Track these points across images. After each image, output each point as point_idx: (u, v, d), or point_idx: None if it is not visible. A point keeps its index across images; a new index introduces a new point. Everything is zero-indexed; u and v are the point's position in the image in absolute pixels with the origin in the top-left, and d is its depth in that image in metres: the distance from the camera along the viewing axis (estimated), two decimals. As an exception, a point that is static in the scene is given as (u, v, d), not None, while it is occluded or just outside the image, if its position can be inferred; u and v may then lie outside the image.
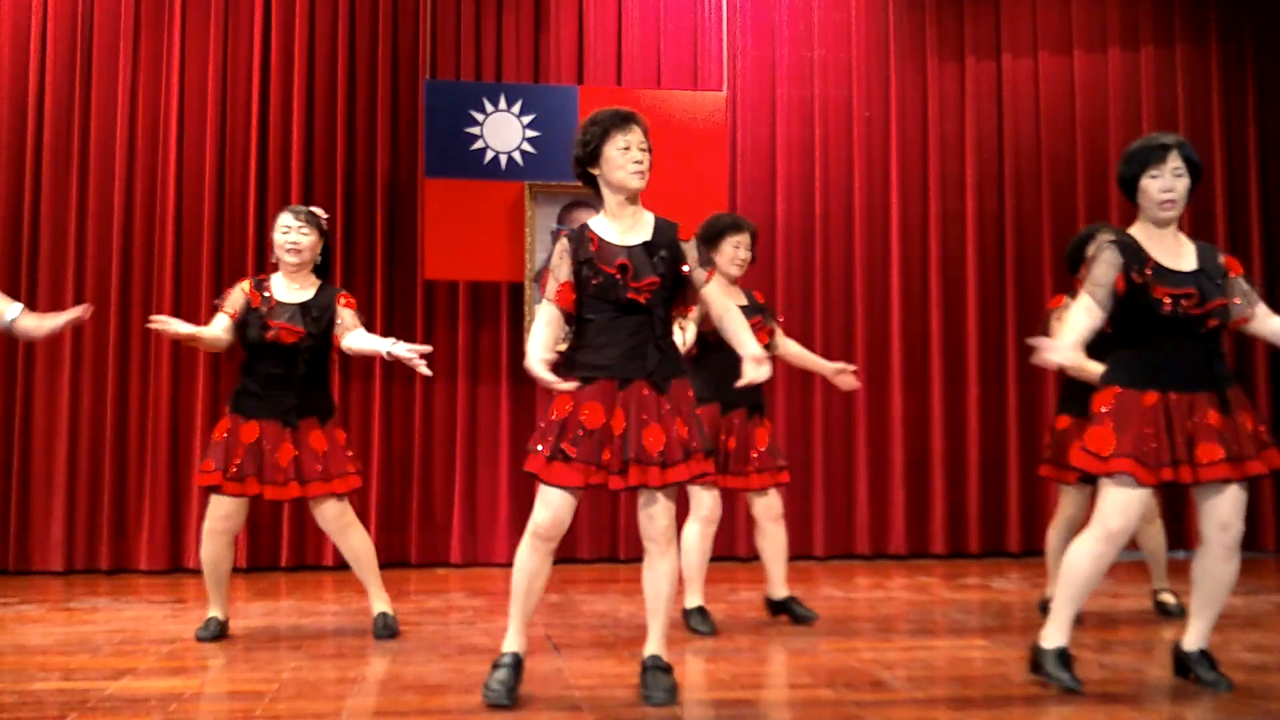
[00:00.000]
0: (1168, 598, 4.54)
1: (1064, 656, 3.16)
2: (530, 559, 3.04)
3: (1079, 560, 3.15)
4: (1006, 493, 6.55)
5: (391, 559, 6.07)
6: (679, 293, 3.17)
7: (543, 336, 3.11)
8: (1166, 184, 3.21)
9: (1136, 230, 3.27)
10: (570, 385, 3.03)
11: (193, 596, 5.10)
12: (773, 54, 6.62)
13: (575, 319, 3.14)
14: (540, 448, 3.01)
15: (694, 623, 4.12)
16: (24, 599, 4.99)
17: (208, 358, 5.91)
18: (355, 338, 3.99)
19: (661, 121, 6.24)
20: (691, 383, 4.02)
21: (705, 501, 4.14)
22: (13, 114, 5.91)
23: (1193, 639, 3.27)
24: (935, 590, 5.33)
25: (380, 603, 4.10)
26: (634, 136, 3.13)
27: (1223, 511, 3.16)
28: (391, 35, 6.26)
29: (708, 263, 3.21)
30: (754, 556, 6.32)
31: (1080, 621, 3.45)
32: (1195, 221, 6.89)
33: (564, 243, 3.14)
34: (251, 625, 4.31)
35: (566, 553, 6.15)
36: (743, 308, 4.13)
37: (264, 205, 6.07)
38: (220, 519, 3.95)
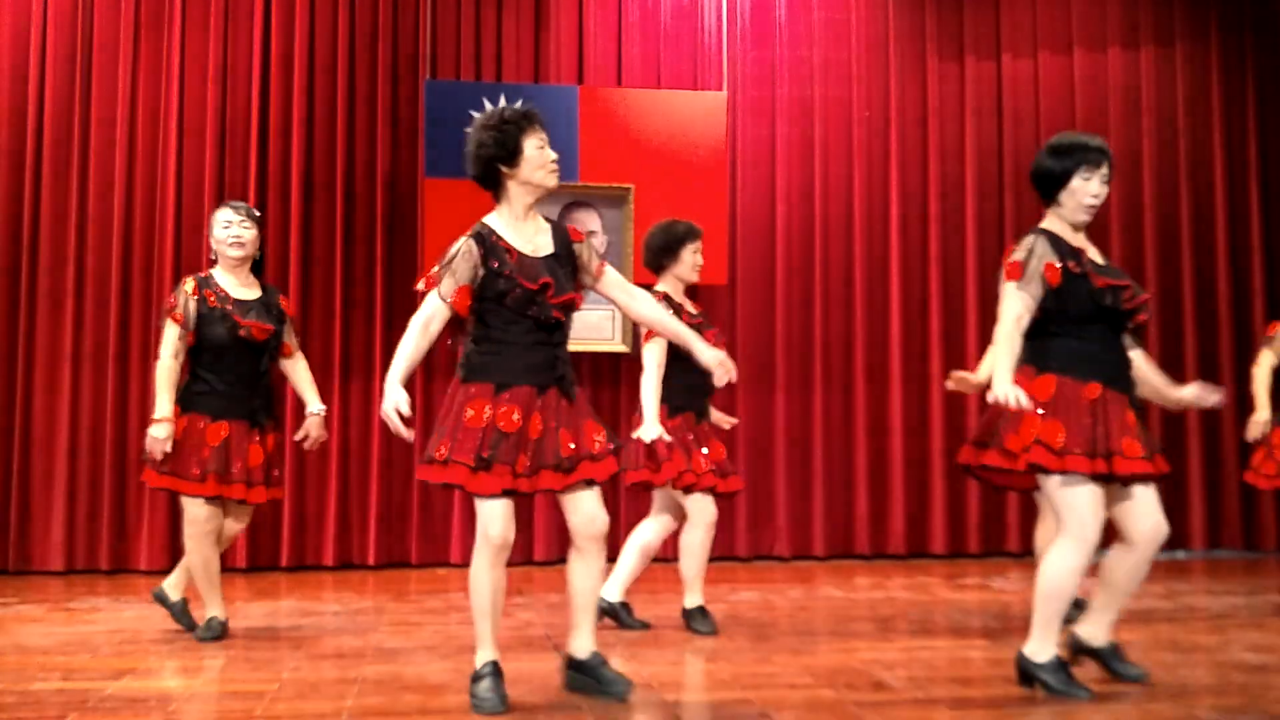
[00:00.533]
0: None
1: (1063, 666, 3.11)
2: (491, 575, 2.95)
3: (1062, 575, 3.04)
4: (1006, 494, 6.55)
5: (392, 559, 6.08)
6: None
7: (413, 345, 2.99)
8: (1096, 189, 3.20)
9: (1052, 226, 3.23)
10: (407, 434, 2.91)
11: (194, 596, 5.09)
12: (772, 54, 6.62)
13: (472, 324, 3.02)
14: (456, 458, 2.87)
15: (695, 623, 4.13)
16: (24, 599, 4.99)
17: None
18: (295, 371, 4.12)
19: (661, 122, 6.26)
20: (666, 395, 4.06)
21: (707, 508, 4.14)
22: (13, 116, 5.91)
23: (1103, 633, 3.26)
24: (935, 590, 5.33)
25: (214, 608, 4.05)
26: (545, 135, 3.07)
27: (1156, 510, 3.11)
28: (392, 36, 6.26)
29: (599, 257, 3.17)
30: (753, 557, 6.33)
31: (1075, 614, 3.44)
32: (1194, 220, 6.90)
33: (470, 244, 2.98)
34: (252, 625, 4.31)
35: (567, 553, 6.15)
36: (696, 317, 4.15)
37: (264, 206, 6.07)
38: (205, 521, 3.94)
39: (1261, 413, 4.82)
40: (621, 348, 6.19)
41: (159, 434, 3.85)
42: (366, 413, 6.08)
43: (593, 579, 3.10)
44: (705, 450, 4.11)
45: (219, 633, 3.95)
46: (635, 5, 6.49)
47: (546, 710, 2.97)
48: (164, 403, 3.89)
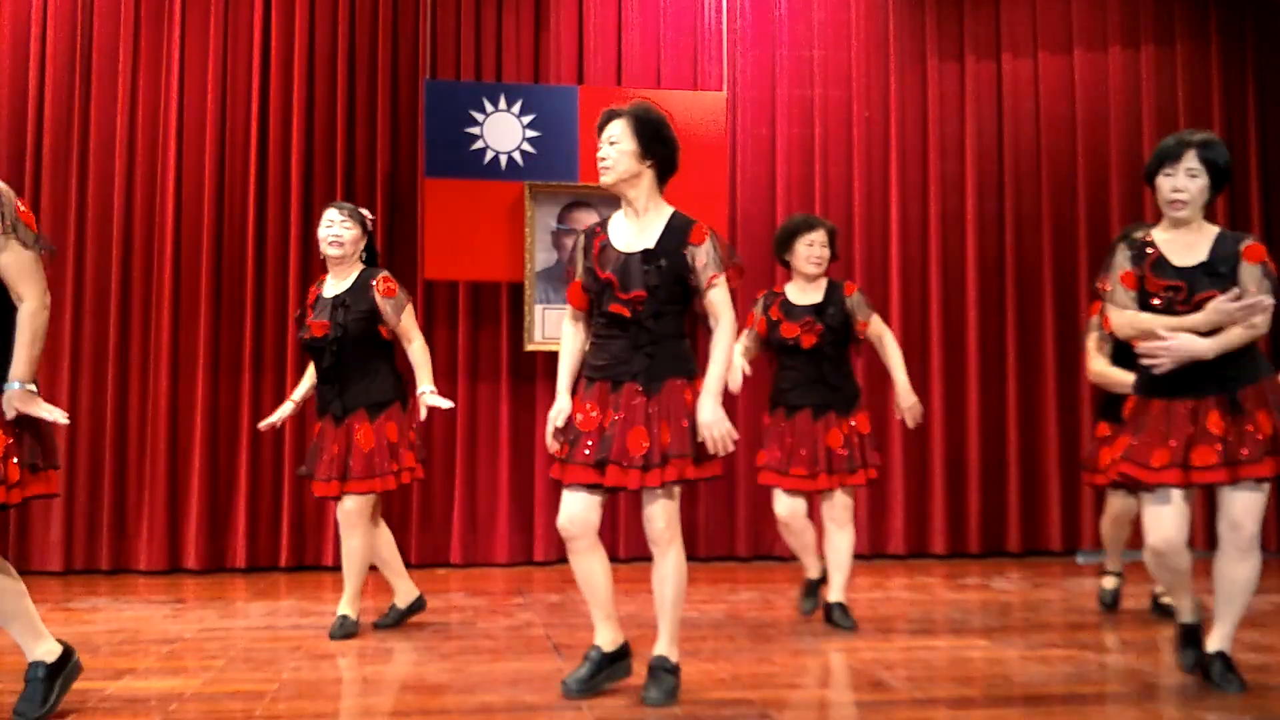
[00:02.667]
0: (1168, 600, 4.52)
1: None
2: (573, 563, 3.13)
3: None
4: (1006, 493, 6.55)
5: (391, 559, 6.07)
6: (694, 295, 3.09)
7: (568, 360, 3.20)
8: (1177, 183, 3.20)
9: (1158, 227, 3.30)
10: None
11: (192, 596, 5.10)
12: (773, 54, 6.62)
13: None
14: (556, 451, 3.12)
15: (835, 617, 4.19)
16: (24, 599, 4.98)
17: (207, 359, 5.92)
18: (413, 353, 4.07)
19: (661, 121, 6.25)
20: (780, 388, 4.23)
21: (842, 501, 4.23)
22: (12, 114, 5.91)
23: (1213, 640, 3.21)
24: (935, 590, 5.33)
25: (346, 605, 4.05)
26: (603, 133, 3.10)
27: (1232, 511, 3.11)
28: (392, 35, 6.26)
29: (726, 265, 3.06)
30: (754, 557, 6.33)
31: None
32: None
33: (580, 239, 3.20)
34: (251, 625, 4.31)
35: (565, 553, 6.15)
36: (813, 304, 4.22)
37: (263, 205, 6.08)
38: (367, 511, 4.02)
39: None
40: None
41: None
42: (366, 413, 6.06)
43: (660, 583, 3.09)
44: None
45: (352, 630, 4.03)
46: (635, 5, 6.49)
47: (546, 710, 2.97)
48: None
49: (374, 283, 4.01)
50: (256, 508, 5.95)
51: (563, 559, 6.14)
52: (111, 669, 3.48)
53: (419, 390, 4.03)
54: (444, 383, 6.19)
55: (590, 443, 3.02)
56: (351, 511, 3.97)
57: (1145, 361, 3.11)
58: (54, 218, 5.91)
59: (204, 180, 6.03)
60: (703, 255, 3.04)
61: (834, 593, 4.22)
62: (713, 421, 2.96)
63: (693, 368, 3.09)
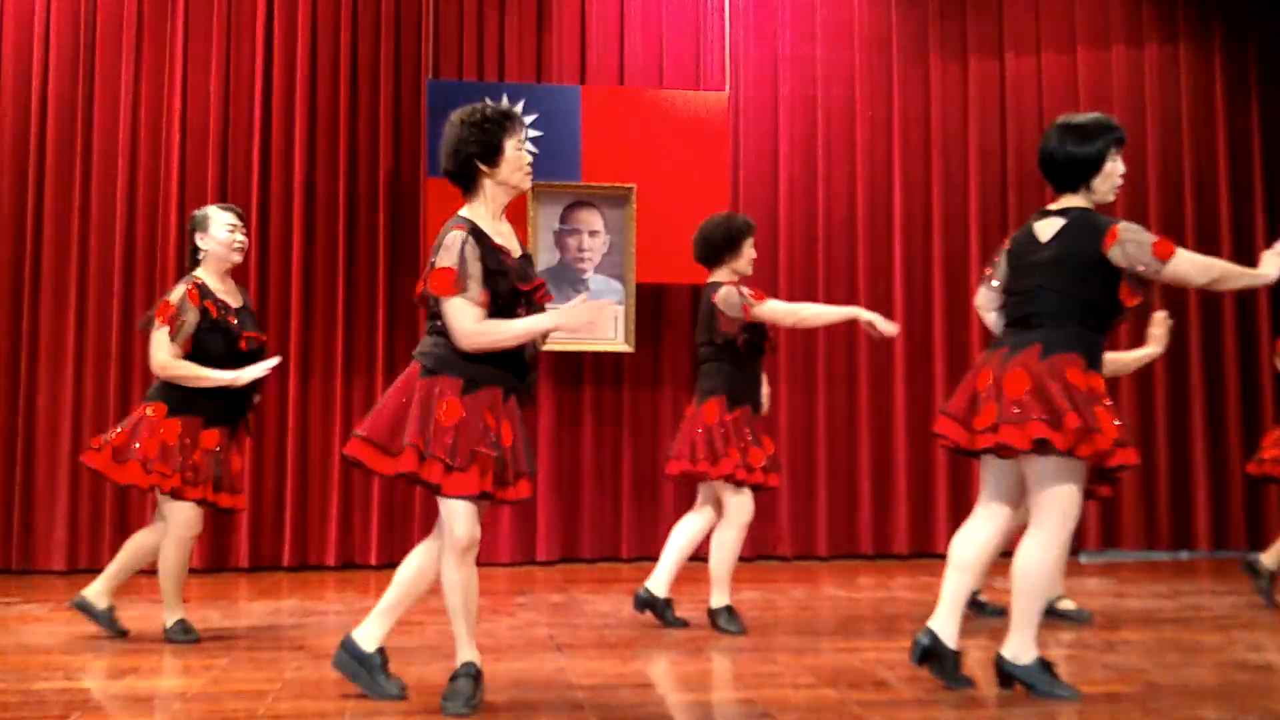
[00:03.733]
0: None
1: (1047, 667, 3.10)
2: (460, 575, 2.96)
3: (1046, 570, 3.07)
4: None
5: (394, 559, 6.06)
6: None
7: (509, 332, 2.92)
8: (1123, 169, 3.20)
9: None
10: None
11: (195, 596, 5.10)
12: (775, 53, 6.61)
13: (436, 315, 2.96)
14: (439, 455, 2.85)
15: (723, 622, 4.13)
16: (27, 598, 4.99)
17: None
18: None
19: (663, 121, 6.25)
20: (726, 386, 4.15)
21: (745, 505, 4.17)
22: (16, 116, 5.92)
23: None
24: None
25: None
26: (523, 138, 3.04)
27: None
28: (394, 35, 6.26)
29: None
30: (756, 557, 6.32)
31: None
32: (1198, 218, 6.88)
33: (470, 243, 2.89)
34: (254, 625, 4.31)
35: (569, 553, 6.16)
36: None
37: (266, 206, 6.08)
38: (194, 525, 3.92)
39: None
40: (625, 347, 6.19)
41: (259, 369, 3.83)
42: (368, 411, 6.06)
43: (474, 590, 3.03)
44: (761, 445, 4.14)
45: (196, 634, 3.94)
46: (637, 4, 6.49)
47: (548, 710, 2.96)
48: (217, 373, 3.83)
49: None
50: (259, 507, 5.95)
51: (565, 559, 6.15)
52: (115, 668, 3.49)
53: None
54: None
55: (488, 449, 2.92)
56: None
57: None
58: (57, 217, 5.92)
59: (207, 180, 6.03)
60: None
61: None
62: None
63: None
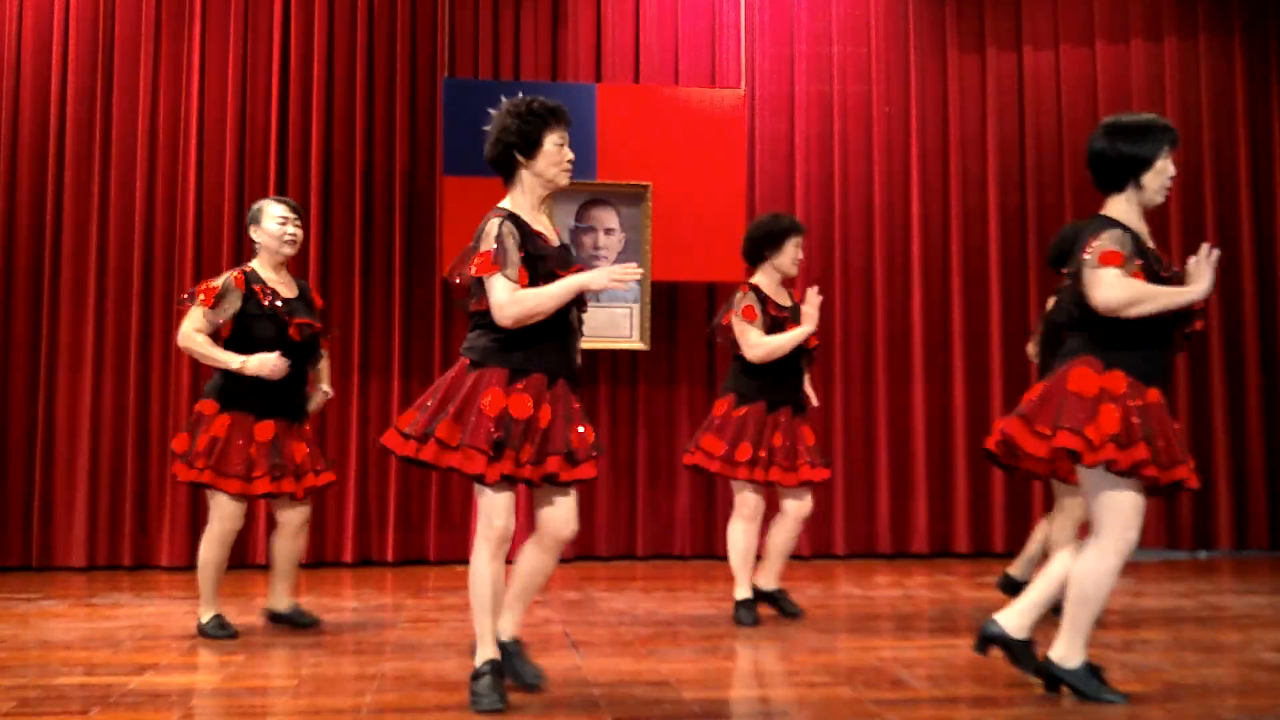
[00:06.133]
0: None
1: (1094, 672, 3.05)
2: (493, 568, 2.94)
3: (1101, 578, 3.01)
4: (1031, 491, 6.50)
5: (410, 556, 6.09)
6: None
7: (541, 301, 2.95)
8: (1173, 170, 3.13)
9: (1127, 215, 3.07)
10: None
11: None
12: (791, 50, 6.59)
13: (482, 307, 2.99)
14: (471, 443, 2.85)
15: (741, 615, 4.18)
16: (47, 594, 5.03)
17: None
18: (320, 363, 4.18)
19: (680, 119, 6.24)
20: (738, 383, 4.25)
21: (749, 500, 4.25)
22: (35, 115, 5.96)
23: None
24: (956, 589, 5.30)
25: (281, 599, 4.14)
26: (566, 135, 3.06)
27: None
28: (410, 34, 6.27)
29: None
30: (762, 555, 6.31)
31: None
32: (1218, 213, 6.82)
33: (508, 226, 2.95)
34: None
35: (584, 550, 6.16)
36: (784, 310, 4.37)
37: (284, 204, 6.10)
38: (237, 519, 3.97)
39: None
40: (640, 345, 6.18)
41: (268, 361, 3.85)
42: (385, 410, 6.09)
43: (541, 576, 3.08)
44: (776, 442, 4.22)
45: (233, 630, 3.97)
46: (653, 2, 6.48)
47: (564, 708, 2.97)
48: (227, 355, 3.88)
49: (315, 294, 4.15)
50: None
51: (580, 556, 6.15)
52: (133, 664, 3.51)
53: (324, 389, 4.20)
54: (422, 379, 6.20)
55: (523, 438, 2.93)
56: (307, 511, 4.07)
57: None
58: (77, 217, 5.96)
59: (224, 179, 6.06)
60: None
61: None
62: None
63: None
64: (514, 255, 2.93)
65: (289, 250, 4.03)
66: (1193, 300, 2.98)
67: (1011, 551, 6.43)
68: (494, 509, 2.93)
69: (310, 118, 6.13)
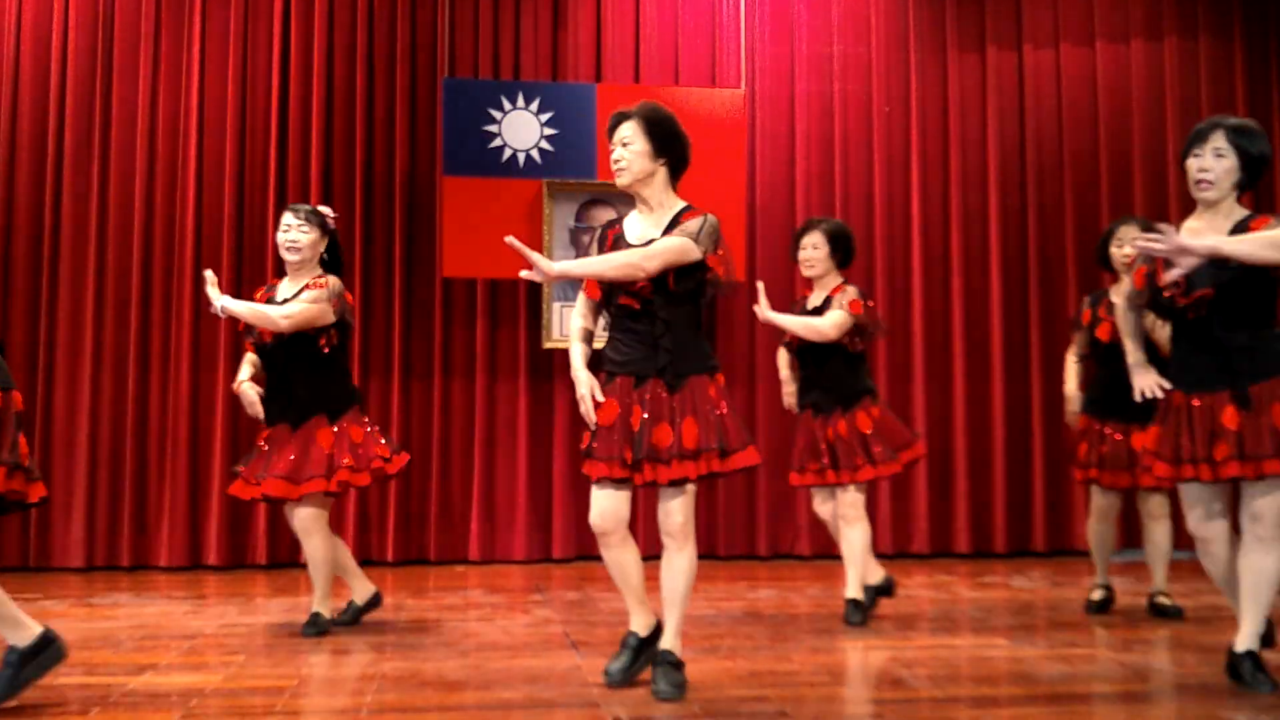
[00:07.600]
0: (1164, 600, 4.45)
1: (1256, 658, 3.10)
2: (606, 557, 3.18)
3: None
4: (1032, 490, 6.50)
5: (410, 556, 6.09)
6: (705, 284, 3.12)
7: (576, 338, 3.19)
8: (1203, 164, 3.14)
9: (1191, 216, 3.21)
10: (591, 410, 3.09)
11: (212, 593, 5.13)
12: (791, 49, 6.59)
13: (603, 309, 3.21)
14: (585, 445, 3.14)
15: (848, 614, 4.22)
16: (45, 595, 5.02)
17: (227, 355, 5.94)
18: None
19: (680, 118, 6.21)
20: (804, 391, 4.35)
21: (849, 499, 4.30)
22: (34, 115, 5.96)
23: (1240, 640, 3.14)
24: (956, 589, 5.30)
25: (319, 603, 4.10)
26: (615, 135, 3.14)
27: (1253, 504, 3.07)
28: (410, 34, 6.27)
29: (710, 248, 3.09)
30: (775, 555, 6.31)
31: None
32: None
33: (597, 232, 3.27)
34: (272, 621, 4.33)
35: (585, 550, 6.15)
36: (814, 309, 4.35)
37: (283, 203, 6.09)
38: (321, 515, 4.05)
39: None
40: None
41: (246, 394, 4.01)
42: (385, 411, 6.09)
43: (672, 578, 3.11)
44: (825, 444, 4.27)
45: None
46: (653, 2, 6.47)
47: (563, 707, 2.96)
48: (244, 367, 4.12)
49: (308, 285, 3.99)
50: (276, 506, 5.96)
51: (581, 556, 6.14)
52: (133, 664, 3.50)
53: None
54: (462, 380, 6.22)
55: (617, 438, 3.03)
56: (309, 514, 4.00)
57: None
58: (76, 216, 5.95)
59: (224, 178, 6.05)
60: (684, 229, 3.08)
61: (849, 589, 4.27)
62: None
63: (714, 364, 3.15)
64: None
65: (290, 257, 4.02)
66: None
67: (1012, 552, 6.44)
68: (591, 503, 3.15)
69: (310, 117, 6.13)
